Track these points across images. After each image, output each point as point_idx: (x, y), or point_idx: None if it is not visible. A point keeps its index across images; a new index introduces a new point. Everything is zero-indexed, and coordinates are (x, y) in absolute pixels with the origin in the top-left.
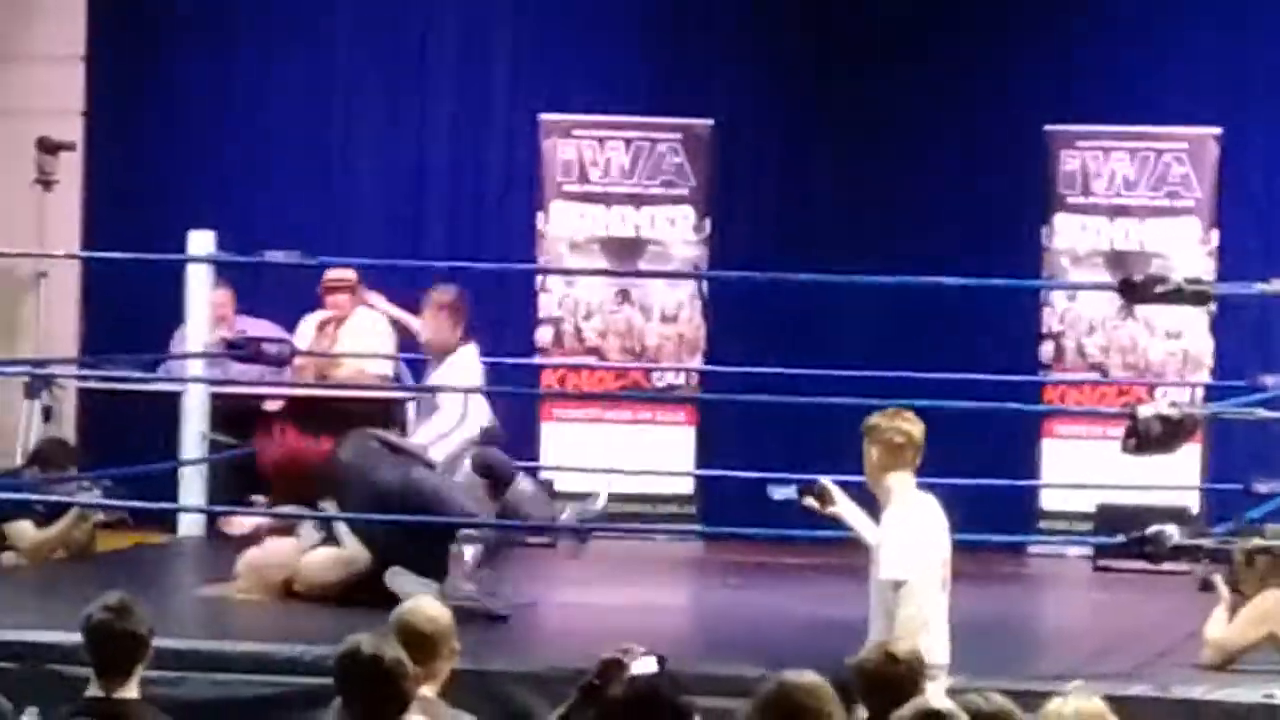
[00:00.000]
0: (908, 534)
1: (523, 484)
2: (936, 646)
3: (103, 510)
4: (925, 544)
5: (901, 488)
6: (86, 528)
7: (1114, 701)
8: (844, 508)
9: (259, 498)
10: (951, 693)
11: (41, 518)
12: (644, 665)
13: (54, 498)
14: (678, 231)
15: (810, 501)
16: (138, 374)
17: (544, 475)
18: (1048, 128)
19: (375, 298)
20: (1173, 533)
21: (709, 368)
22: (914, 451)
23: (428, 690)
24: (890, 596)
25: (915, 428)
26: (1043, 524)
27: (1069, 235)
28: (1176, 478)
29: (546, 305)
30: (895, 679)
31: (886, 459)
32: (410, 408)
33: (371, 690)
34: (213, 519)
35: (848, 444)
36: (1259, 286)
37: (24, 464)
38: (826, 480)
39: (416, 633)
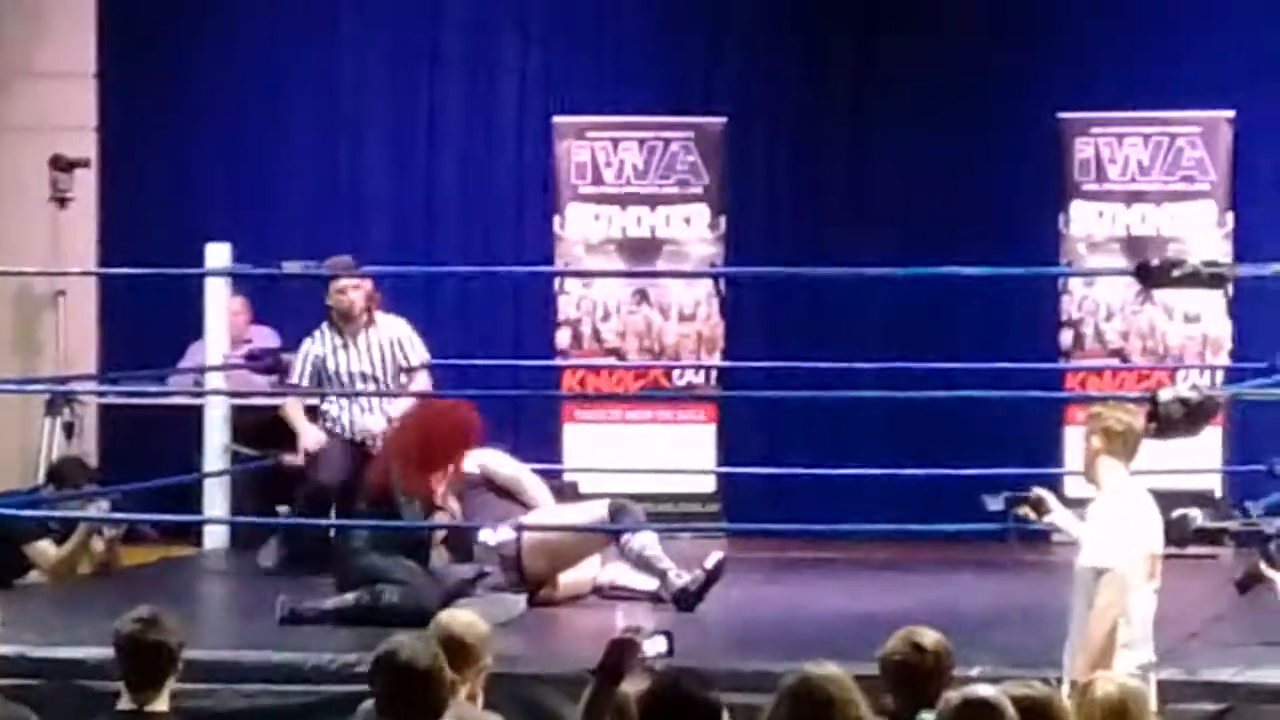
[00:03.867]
0: (1115, 523)
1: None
2: (1137, 639)
3: (114, 525)
4: (1132, 535)
5: (1115, 477)
6: (105, 543)
7: None
8: (1059, 515)
9: (283, 508)
10: (992, 681)
11: (60, 536)
12: (654, 645)
13: (64, 514)
14: (693, 230)
15: (1025, 511)
16: (157, 389)
17: (567, 477)
18: (1061, 115)
19: None
20: (1196, 516)
21: (729, 364)
22: (1133, 442)
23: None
24: (1091, 585)
25: (1136, 419)
26: None
27: (1085, 222)
28: (1198, 461)
29: (565, 307)
30: (923, 670)
31: (1104, 447)
32: None
33: (408, 692)
34: (237, 531)
35: (869, 436)
36: (1276, 268)
37: (42, 483)
38: (1042, 490)
39: (455, 640)
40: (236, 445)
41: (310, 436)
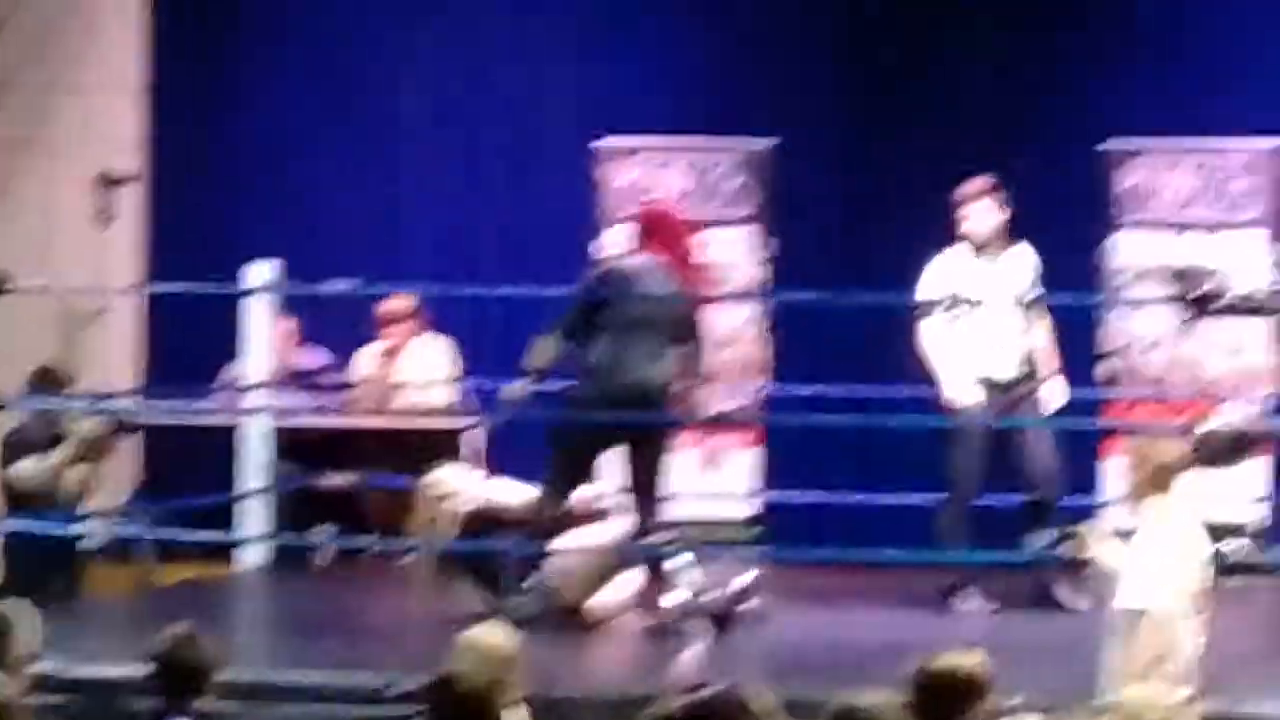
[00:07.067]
0: (1157, 561)
1: None
2: (1180, 675)
3: (105, 419)
4: (1175, 572)
5: (1159, 512)
6: (102, 436)
7: None
8: (1104, 551)
9: (325, 527)
10: (1030, 710)
11: (41, 450)
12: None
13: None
14: (741, 253)
15: (1070, 546)
16: (198, 407)
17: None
18: (1107, 144)
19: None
20: (1241, 547)
21: (773, 389)
22: (1176, 475)
23: None
24: (1129, 625)
25: (1179, 452)
26: None
27: (1130, 251)
28: (1242, 492)
29: None
30: (957, 693)
31: (1147, 481)
32: (478, 434)
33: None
34: (274, 551)
35: (912, 463)
36: None
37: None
38: (1083, 528)
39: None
40: (276, 465)
41: (963, 389)
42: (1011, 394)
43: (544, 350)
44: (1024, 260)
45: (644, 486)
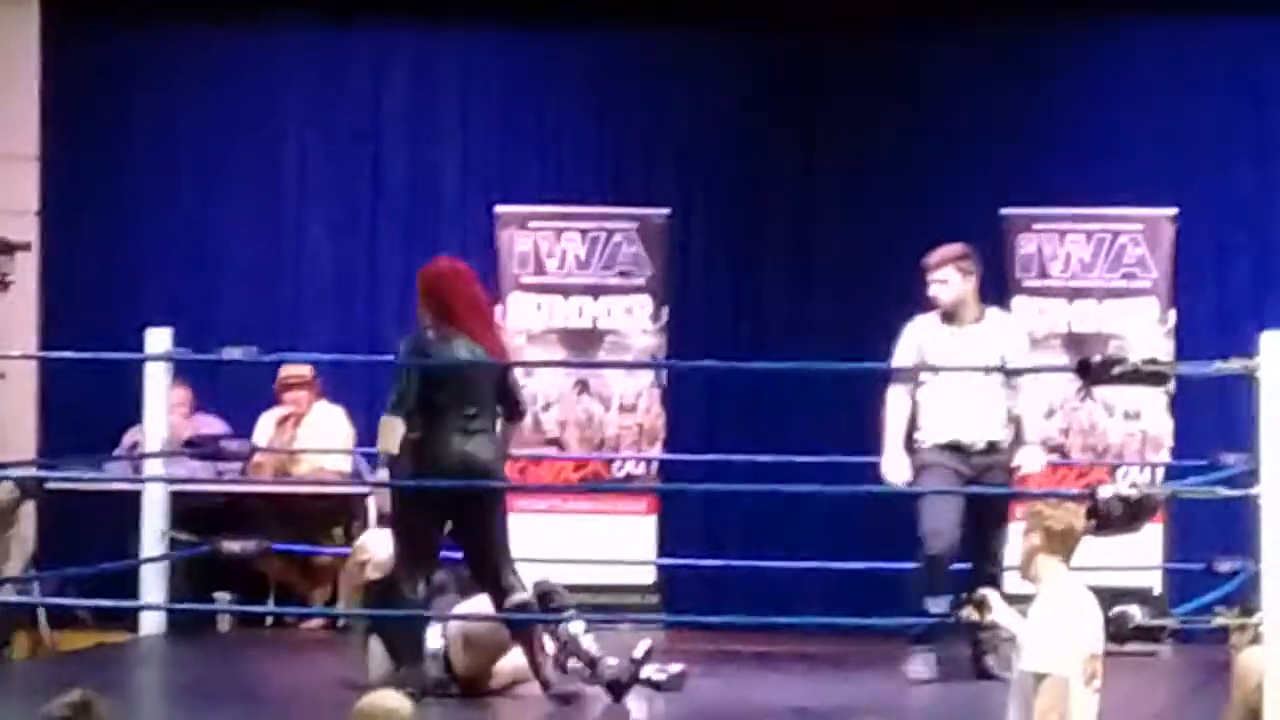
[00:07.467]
0: (1055, 625)
1: None
2: None
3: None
4: (1072, 636)
5: (1054, 577)
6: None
7: None
8: (1001, 614)
9: (222, 594)
10: None
11: None
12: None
13: None
14: (635, 321)
15: (969, 612)
16: (95, 474)
17: None
18: (1004, 211)
19: None
20: (1135, 613)
21: (669, 456)
22: (1072, 540)
23: None
24: (1031, 689)
25: (1076, 517)
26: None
27: (1027, 318)
28: (1138, 558)
29: None
30: None
31: (1043, 546)
32: (371, 503)
33: None
34: (174, 618)
35: (808, 529)
36: (1216, 365)
37: None
38: (987, 590)
39: None
40: (175, 531)
41: (895, 466)
42: (978, 460)
43: (391, 434)
44: (1002, 328)
45: (486, 560)
